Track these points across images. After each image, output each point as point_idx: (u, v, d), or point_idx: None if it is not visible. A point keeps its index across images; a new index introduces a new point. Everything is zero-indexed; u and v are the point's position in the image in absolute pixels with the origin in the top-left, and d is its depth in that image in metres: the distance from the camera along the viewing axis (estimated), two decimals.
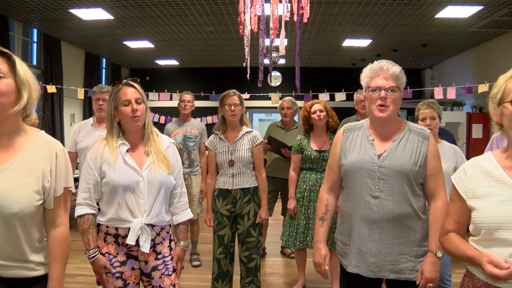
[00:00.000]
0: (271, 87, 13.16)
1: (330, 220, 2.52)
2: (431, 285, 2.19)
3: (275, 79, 13.96)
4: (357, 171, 2.32)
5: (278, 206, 5.85)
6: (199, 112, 10.48)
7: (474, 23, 9.15)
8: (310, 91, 7.40)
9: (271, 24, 4.54)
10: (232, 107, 3.80)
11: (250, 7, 4.55)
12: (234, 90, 3.91)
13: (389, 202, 2.23)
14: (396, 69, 2.33)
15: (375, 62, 2.39)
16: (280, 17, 4.56)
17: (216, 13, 8.38)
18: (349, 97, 6.69)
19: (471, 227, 1.77)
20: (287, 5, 4.52)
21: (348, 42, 10.92)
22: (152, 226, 2.56)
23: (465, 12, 8.33)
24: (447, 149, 3.55)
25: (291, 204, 4.54)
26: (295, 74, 4.68)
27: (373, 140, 2.36)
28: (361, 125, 2.48)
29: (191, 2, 7.71)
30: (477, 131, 10.03)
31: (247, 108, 9.80)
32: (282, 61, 12.62)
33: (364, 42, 10.96)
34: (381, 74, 2.31)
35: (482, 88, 6.39)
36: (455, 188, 1.84)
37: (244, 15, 4.56)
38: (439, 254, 2.20)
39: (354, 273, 2.35)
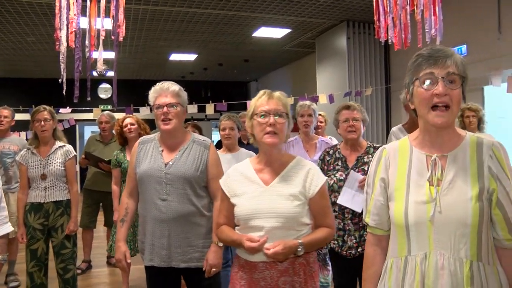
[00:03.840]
0: (103, 99, 13.03)
1: (130, 222, 2.81)
2: (214, 270, 2.59)
3: (106, 91, 13.83)
4: (148, 178, 2.64)
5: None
6: (24, 126, 9.88)
7: (286, 43, 10.26)
8: (132, 104, 7.59)
9: (87, 41, 4.61)
10: (42, 122, 3.88)
11: (67, 24, 4.60)
12: (45, 106, 3.99)
13: (175, 203, 2.59)
14: (175, 88, 2.66)
15: (157, 84, 2.70)
16: (99, 31, 4.65)
17: (37, 23, 8.14)
18: None
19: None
20: (103, 22, 4.64)
21: (175, 57, 11.40)
22: None
23: (277, 33, 9.35)
24: (244, 154, 4.03)
25: (116, 215, 4.65)
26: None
27: (162, 150, 2.69)
28: (154, 137, 2.80)
29: (7, 10, 7.41)
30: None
31: (77, 121, 9.59)
32: (111, 73, 12.53)
33: (190, 57, 11.53)
34: (163, 93, 2.64)
35: (289, 101, 7.25)
36: (223, 190, 2.24)
37: (60, 31, 4.59)
38: (220, 244, 2.59)
39: (150, 266, 2.68)
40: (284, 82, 13.40)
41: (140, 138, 2.85)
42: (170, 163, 2.63)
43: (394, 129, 4.00)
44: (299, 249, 2.00)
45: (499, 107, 7.00)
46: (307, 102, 4.21)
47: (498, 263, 1.53)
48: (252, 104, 2.16)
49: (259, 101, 2.12)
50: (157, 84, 2.68)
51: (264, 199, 2.07)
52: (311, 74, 10.39)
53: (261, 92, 2.18)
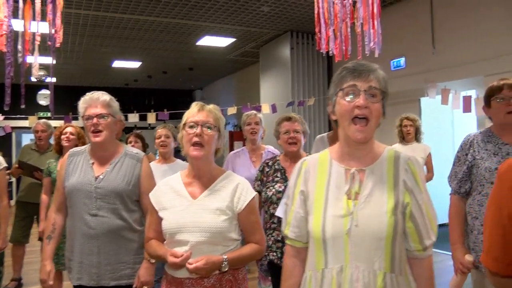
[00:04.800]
0: (42, 106, 12.55)
1: (58, 238, 2.65)
2: (146, 287, 2.50)
3: (45, 97, 13.32)
4: (77, 192, 2.51)
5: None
6: None
7: (231, 52, 10.27)
8: (70, 113, 7.33)
9: (20, 46, 4.42)
10: None
11: None
12: None
13: (105, 218, 2.47)
14: (106, 98, 2.56)
15: (87, 93, 2.59)
16: (34, 35, 4.47)
17: None
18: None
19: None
20: (38, 25, 4.46)
21: (118, 63, 11.17)
22: None
23: (221, 42, 9.35)
24: (180, 165, 3.96)
25: (41, 226, 4.45)
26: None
27: (92, 163, 2.58)
28: (84, 150, 2.68)
29: None
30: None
31: (14, 128, 9.15)
32: (53, 79, 12.11)
33: (134, 64, 11.34)
34: (92, 104, 2.53)
35: (231, 110, 7.27)
36: (151, 203, 2.18)
37: None
38: (152, 260, 2.49)
39: (78, 285, 2.54)
40: (228, 91, 13.42)
41: (70, 150, 2.72)
42: (101, 176, 2.53)
43: (318, 137, 4.09)
44: (223, 265, 1.95)
45: (434, 118, 7.28)
46: (254, 111, 4.24)
47: (410, 273, 1.58)
48: (184, 115, 2.13)
49: (190, 112, 2.10)
50: (87, 94, 2.57)
51: (190, 213, 2.02)
52: (255, 84, 10.46)
53: (194, 103, 2.15)
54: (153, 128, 15.27)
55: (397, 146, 5.16)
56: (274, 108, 7.37)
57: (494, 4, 5.61)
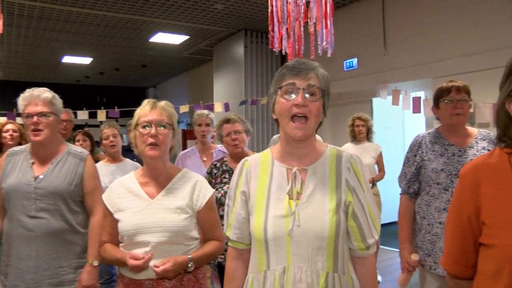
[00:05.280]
0: None
1: None
2: None
3: None
4: (14, 194, 2.38)
5: None
6: None
7: (184, 50, 10.14)
8: (14, 109, 7.04)
9: None
10: None
11: None
12: None
13: (44, 220, 2.35)
14: (48, 95, 2.44)
15: (27, 90, 2.45)
16: None
17: None
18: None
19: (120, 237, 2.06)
20: None
21: (68, 59, 10.81)
22: None
23: (175, 39, 9.22)
24: (129, 165, 3.90)
25: None
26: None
27: (32, 163, 2.46)
28: (24, 149, 2.55)
29: None
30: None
31: None
32: None
33: (85, 60, 11.01)
34: (33, 101, 2.40)
35: (183, 109, 7.16)
36: (105, 205, 2.08)
37: None
38: (95, 264, 2.42)
39: None
40: (182, 89, 13.27)
41: (9, 150, 2.58)
42: (41, 176, 2.40)
43: (274, 137, 4.08)
44: (189, 265, 1.92)
45: (385, 118, 7.43)
46: (205, 111, 4.17)
47: (353, 272, 1.57)
48: (136, 113, 2.04)
49: (142, 111, 2.02)
50: (27, 90, 2.43)
51: (149, 213, 1.95)
52: (208, 82, 10.37)
53: (145, 101, 2.07)
54: None
55: (349, 145, 5.24)
56: (227, 107, 7.32)
57: (443, 8, 5.76)
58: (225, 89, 9.22)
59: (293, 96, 1.49)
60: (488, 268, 1.30)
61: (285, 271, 1.48)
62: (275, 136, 4.02)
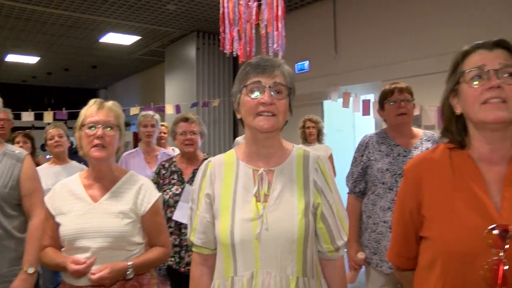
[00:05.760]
0: None
1: None
2: None
3: None
4: None
5: None
6: None
7: (136, 51, 9.98)
8: None
9: None
10: None
11: None
12: None
13: None
14: None
15: None
16: None
17: None
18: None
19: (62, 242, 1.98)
20: None
21: (12, 58, 10.40)
22: None
23: (126, 40, 9.05)
24: (75, 167, 3.76)
25: None
26: None
27: None
28: None
29: None
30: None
31: None
32: None
33: (31, 59, 10.62)
34: None
35: (134, 110, 7.05)
36: (47, 207, 1.99)
37: None
38: (30, 271, 2.27)
39: None
40: (133, 90, 13.05)
41: None
42: None
43: (238, 138, 4.06)
44: (128, 272, 1.85)
45: (336, 120, 7.54)
46: (150, 112, 4.13)
47: (322, 275, 1.55)
48: (81, 113, 1.96)
49: (89, 111, 1.94)
50: None
51: (91, 217, 1.88)
52: (160, 84, 10.23)
53: (92, 101, 1.99)
54: None
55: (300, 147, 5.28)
56: (178, 109, 7.25)
57: (392, 14, 5.91)
58: (176, 91, 9.12)
59: (259, 94, 1.46)
60: (425, 259, 1.34)
61: (253, 277, 1.43)
62: (239, 138, 4.00)
